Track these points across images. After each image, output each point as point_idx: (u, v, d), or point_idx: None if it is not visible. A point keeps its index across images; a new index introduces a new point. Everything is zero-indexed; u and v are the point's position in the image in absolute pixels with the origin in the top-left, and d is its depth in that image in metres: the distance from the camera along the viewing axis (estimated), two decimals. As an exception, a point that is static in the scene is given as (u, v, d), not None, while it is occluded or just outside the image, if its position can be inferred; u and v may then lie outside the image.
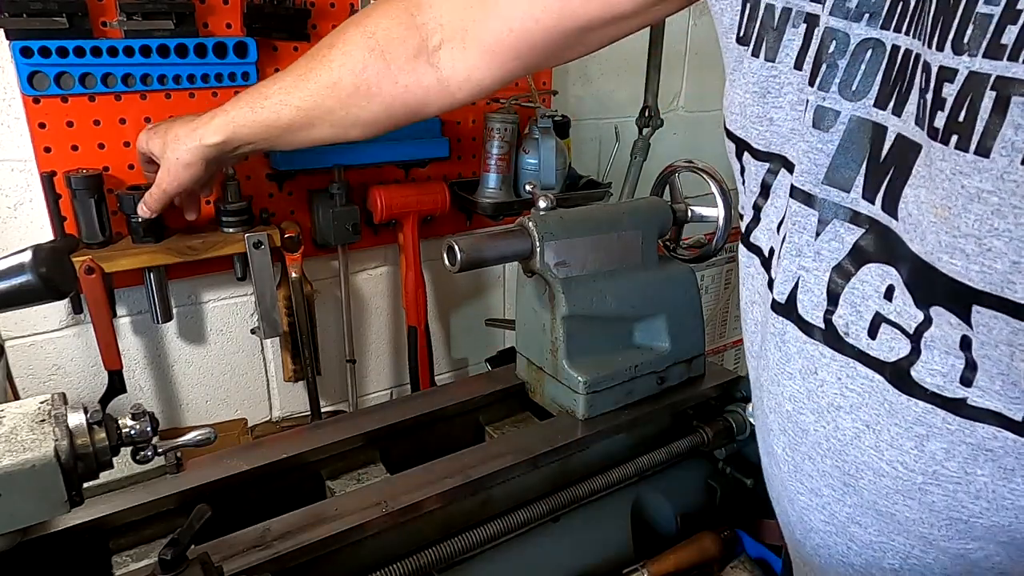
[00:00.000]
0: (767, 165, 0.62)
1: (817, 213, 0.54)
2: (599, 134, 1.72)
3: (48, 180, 1.10)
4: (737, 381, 1.13)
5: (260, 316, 1.28)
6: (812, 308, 0.56)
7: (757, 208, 0.64)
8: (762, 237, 0.65)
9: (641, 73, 1.59)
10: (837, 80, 0.51)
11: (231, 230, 1.23)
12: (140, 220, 1.11)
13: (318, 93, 0.92)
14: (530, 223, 0.94)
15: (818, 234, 0.55)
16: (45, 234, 1.15)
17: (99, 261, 1.11)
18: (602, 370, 0.99)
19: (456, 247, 0.89)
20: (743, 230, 0.67)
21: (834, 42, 0.52)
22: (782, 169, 0.60)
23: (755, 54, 0.59)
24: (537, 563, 0.93)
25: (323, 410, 1.48)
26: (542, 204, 0.98)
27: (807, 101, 0.54)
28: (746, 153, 0.63)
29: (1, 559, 0.58)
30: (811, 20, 0.54)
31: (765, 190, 0.63)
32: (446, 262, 0.91)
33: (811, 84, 0.53)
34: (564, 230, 0.95)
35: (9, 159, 1.11)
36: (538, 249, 0.93)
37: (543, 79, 1.54)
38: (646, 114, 1.61)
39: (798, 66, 0.56)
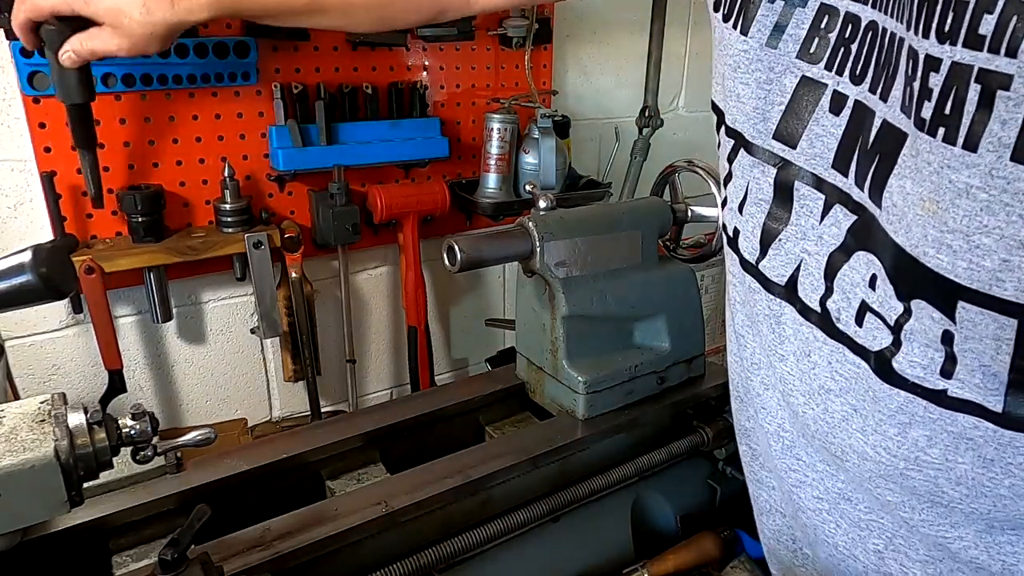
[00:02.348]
0: (732, 142, 0.61)
1: (824, 196, 0.54)
2: (599, 134, 1.72)
3: (48, 180, 1.10)
4: (737, 381, 1.12)
5: (260, 316, 1.28)
6: (811, 291, 0.56)
7: (724, 185, 0.65)
8: (727, 216, 0.65)
9: (641, 73, 1.59)
10: (849, 64, 0.51)
11: (231, 230, 1.23)
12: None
13: None
14: (530, 223, 0.94)
15: (822, 218, 0.54)
16: (45, 234, 1.15)
17: (99, 261, 1.11)
18: (602, 370, 0.99)
19: (456, 247, 0.89)
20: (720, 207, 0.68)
21: (826, 18, 0.51)
22: (741, 148, 0.60)
23: (734, 26, 0.58)
24: (537, 563, 0.93)
25: (323, 410, 1.48)
26: (542, 204, 0.98)
27: (825, 86, 0.53)
28: (722, 127, 0.63)
29: (1, 559, 0.58)
30: None
31: (729, 167, 0.63)
32: (446, 262, 0.91)
33: (828, 69, 0.52)
34: (564, 230, 0.95)
35: (9, 159, 1.11)
36: (538, 249, 0.93)
37: (543, 79, 1.54)
38: (646, 114, 1.61)
39: (772, 44, 0.55)
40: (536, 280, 1.00)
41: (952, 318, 0.45)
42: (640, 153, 1.62)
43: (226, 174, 1.21)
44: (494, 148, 1.39)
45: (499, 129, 1.38)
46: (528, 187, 1.41)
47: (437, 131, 1.41)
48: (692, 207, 1.08)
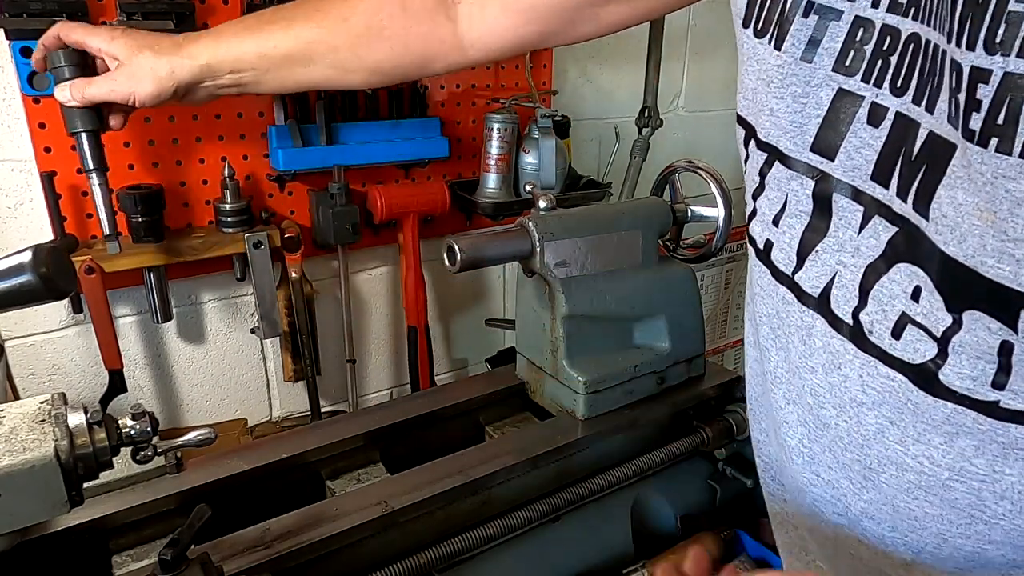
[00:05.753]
0: (765, 155, 0.61)
1: (863, 209, 0.54)
2: (599, 134, 1.72)
3: (48, 180, 1.10)
4: (737, 381, 1.13)
5: (260, 316, 1.28)
6: (844, 303, 0.55)
7: (754, 198, 0.64)
8: (757, 229, 0.65)
9: (641, 73, 1.59)
10: (888, 76, 0.51)
11: (231, 230, 1.23)
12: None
13: (325, 25, 0.86)
14: (530, 223, 0.94)
15: (861, 230, 0.54)
16: (45, 234, 1.15)
17: (99, 261, 1.11)
18: (602, 370, 0.99)
19: (456, 247, 0.89)
20: (746, 220, 0.67)
21: (861, 31, 0.51)
22: (776, 162, 0.60)
23: (768, 41, 0.58)
24: (537, 563, 0.93)
25: (323, 410, 1.48)
26: (542, 204, 0.98)
27: (863, 98, 0.53)
28: (752, 141, 0.63)
29: (1, 559, 0.58)
30: (827, 12, 0.53)
31: (761, 180, 0.62)
32: (446, 262, 0.91)
33: (865, 81, 0.52)
34: (564, 230, 0.95)
35: (9, 159, 1.11)
36: (538, 249, 0.93)
37: (543, 79, 1.54)
38: (646, 114, 1.61)
39: (807, 58, 0.55)
40: (536, 280, 1.00)
41: (1015, 328, 0.44)
42: (640, 153, 1.62)
43: (226, 174, 1.21)
44: (494, 148, 1.39)
45: (499, 129, 1.38)
46: (528, 187, 1.41)
47: (437, 131, 1.41)
48: (692, 207, 1.08)
